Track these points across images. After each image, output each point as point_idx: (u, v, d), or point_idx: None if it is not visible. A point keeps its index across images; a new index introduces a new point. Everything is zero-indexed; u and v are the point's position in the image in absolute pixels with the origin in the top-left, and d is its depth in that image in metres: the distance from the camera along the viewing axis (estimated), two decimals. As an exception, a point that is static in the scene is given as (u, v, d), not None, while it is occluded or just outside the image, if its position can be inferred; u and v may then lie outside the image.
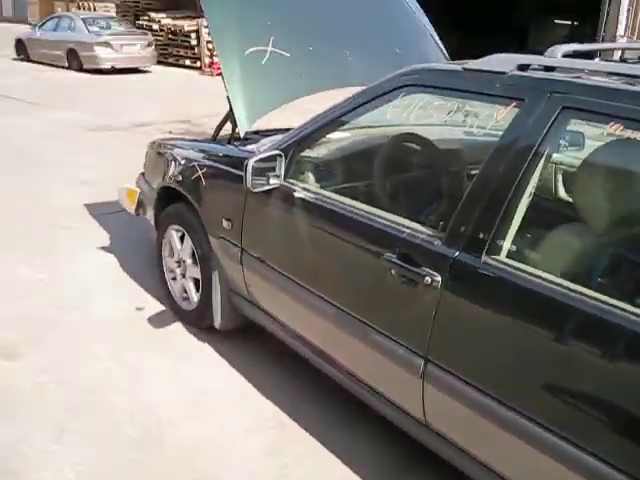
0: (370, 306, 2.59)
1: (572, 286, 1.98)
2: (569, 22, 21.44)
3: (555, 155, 2.57)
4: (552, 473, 2.01)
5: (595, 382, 1.91)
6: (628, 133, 2.05)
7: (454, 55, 3.89)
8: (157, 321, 3.79)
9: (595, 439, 1.89)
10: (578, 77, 2.20)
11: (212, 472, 2.69)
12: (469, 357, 2.23)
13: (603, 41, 13.96)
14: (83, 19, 17.18)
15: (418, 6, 4.50)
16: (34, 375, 3.23)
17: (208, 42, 16.53)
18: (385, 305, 2.51)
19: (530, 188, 2.14)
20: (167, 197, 3.84)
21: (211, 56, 16.88)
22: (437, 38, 4.35)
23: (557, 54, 2.31)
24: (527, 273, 2.08)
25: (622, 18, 14.16)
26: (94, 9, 21.03)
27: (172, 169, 3.78)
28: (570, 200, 2.50)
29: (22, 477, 2.59)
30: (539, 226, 2.29)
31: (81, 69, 16.24)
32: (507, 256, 2.15)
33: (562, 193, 2.70)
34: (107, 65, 16.10)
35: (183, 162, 3.70)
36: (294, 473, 2.71)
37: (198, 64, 17.86)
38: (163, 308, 3.92)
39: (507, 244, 2.16)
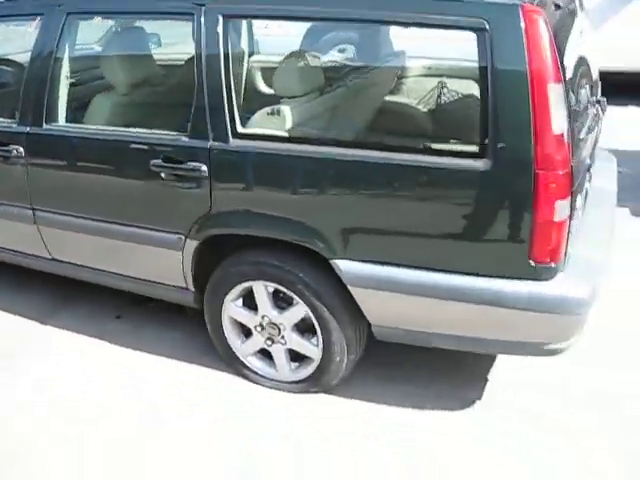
0: None
1: (103, 128, 3.13)
2: None
3: (70, 46, 3.29)
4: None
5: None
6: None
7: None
8: None
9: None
10: None
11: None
12: (57, 196, 3.22)
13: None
14: None
15: None
16: None
17: None
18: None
19: (64, 73, 3.14)
20: None
21: None
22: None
23: None
24: (73, 129, 3.15)
25: None
26: None
27: None
28: (97, 75, 3.58)
29: None
30: (80, 96, 3.34)
31: None
32: (62, 122, 3.16)
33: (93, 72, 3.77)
34: None
35: None
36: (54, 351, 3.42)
37: None
38: None
39: (60, 115, 3.15)
